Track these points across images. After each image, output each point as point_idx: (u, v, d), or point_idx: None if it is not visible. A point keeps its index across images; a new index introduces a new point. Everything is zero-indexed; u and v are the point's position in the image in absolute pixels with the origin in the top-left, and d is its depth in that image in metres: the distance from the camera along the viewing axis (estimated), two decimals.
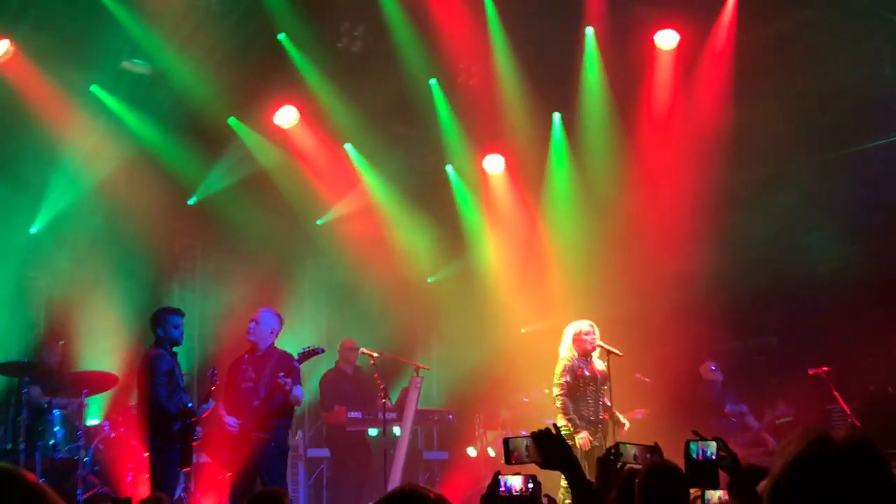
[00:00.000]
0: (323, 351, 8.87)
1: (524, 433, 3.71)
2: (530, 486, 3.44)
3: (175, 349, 8.51)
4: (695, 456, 3.57)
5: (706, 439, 3.60)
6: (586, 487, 3.51)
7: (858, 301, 11.08)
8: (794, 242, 11.48)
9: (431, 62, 11.93)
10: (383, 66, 11.69)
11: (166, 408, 8.12)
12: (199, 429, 8.35)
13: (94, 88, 11.11)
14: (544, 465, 3.50)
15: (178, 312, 8.55)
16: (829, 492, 1.76)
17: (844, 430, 1.86)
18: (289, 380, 8.29)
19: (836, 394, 9.92)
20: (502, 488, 3.45)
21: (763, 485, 3.97)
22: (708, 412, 11.40)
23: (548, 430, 3.52)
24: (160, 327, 8.42)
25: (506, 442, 3.63)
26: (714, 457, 3.55)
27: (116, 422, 9.94)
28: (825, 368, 9.99)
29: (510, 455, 3.59)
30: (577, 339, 9.06)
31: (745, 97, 11.39)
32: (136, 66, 11.31)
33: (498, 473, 3.48)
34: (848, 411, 9.85)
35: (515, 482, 3.45)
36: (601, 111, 12.40)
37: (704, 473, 3.54)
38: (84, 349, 10.86)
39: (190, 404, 8.29)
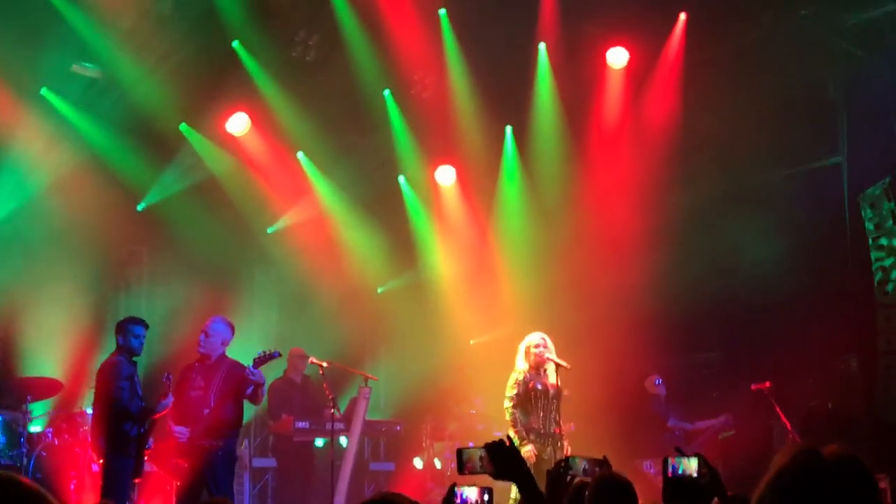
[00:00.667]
0: (279, 355, 8.86)
1: (471, 445, 3.74)
2: (486, 497, 3.48)
3: (135, 359, 8.59)
4: (670, 473, 3.61)
5: (687, 456, 3.63)
6: (539, 499, 3.56)
7: (802, 318, 11.28)
8: (740, 259, 11.66)
9: (385, 73, 11.96)
10: (337, 76, 11.70)
11: (127, 408, 8.19)
12: (150, 439, 8.36)
13: (45, 91, 10.97)
14: (497, 475, 3.53)
15: (142, 323, 8.68)
16: (816, 502, 1.80)
17: (832, 445, 1.91)
18: (254, 370, 8.29)
19: (778, 409, 10.07)
20: (458, 500, 3.48)
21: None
22: (652, 425, 11.54)
23: (502, 441, 3.56)
24: (121, 335, 8.55)
25: (459, 452, 3.64)
26: (695, 474, 3.58)
27: (60, 429, 9.78)
28: (767, 384, 10.14)
29: (463, 465, 3.62)
30: (528, 353, 9.09)
31: (693, 115, 11.58)
32: (87, 69, 11.20)
33: (454, 485, 3.51)
34: (789, 427, 9.99)
35: (471, 494, 3.48)
36: (553, 125, 12.53)
37: (680, 491, 3.57)
38: (28, 355, 10.70)
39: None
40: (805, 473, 1.84)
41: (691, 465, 3.60)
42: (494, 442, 3.52)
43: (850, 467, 1.87)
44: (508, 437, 3.65)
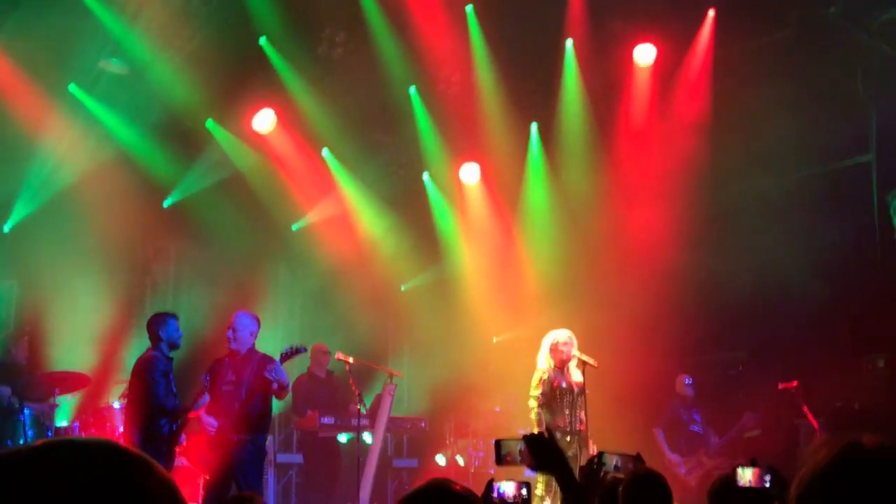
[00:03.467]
0: (306, 349, 8.88)
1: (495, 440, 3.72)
2: (523, 492, 3.47)
3: (171, 355, 8.54)
4: (739, 482, 3.61)
5: (758, 465, 3.61)
6: (579, 491, 3.54)
7: (827, 318, 11.21)
8: (767, 257, 11.58)
9: (411, 70, 11.95)
10: (363, 73, 11.69)
11: (163, 405, 8.14)
12: (182, 436, 8.35)
13: (72, 87, 11.02)
14: (538, 468, 3.52)
15: (175, 315, 8.64)
16: (861, 497, 1.78)
17: (871, 435, 1.88)
18: (278, 367, 8.29)
19: (806, 409, 10.00)
20: (495, 494, 3.47)
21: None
22: (677, 426, 11.48)
23: (541, 433, 3.55)
24: (161, 330, 8.42)
25: (497, 444, 3.63)
26: (767, 484, 3.57)
27: (87, 423, 9.82)
28: (795, 383, 10.07)
29: (502, 458, 3.61)
30: (554, 350, 9.02)
31: (721, 113, 11.52)
32: (114, 66, 11.24)
33: (492, 480, 3.50)
34: (816, 426, 9.93)
35: (508, 488, 3.47)
36: (579, 122, 12.48)
37: (748, 500, 3.57)
38: (55, 350, 10.75)
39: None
40: (849, 466, 1.82)
41: (748, 476, 3.59)
42: (534, 434, 3.51)
43: (894, 458, 1.85)
44: (549, 430, 3.63)
